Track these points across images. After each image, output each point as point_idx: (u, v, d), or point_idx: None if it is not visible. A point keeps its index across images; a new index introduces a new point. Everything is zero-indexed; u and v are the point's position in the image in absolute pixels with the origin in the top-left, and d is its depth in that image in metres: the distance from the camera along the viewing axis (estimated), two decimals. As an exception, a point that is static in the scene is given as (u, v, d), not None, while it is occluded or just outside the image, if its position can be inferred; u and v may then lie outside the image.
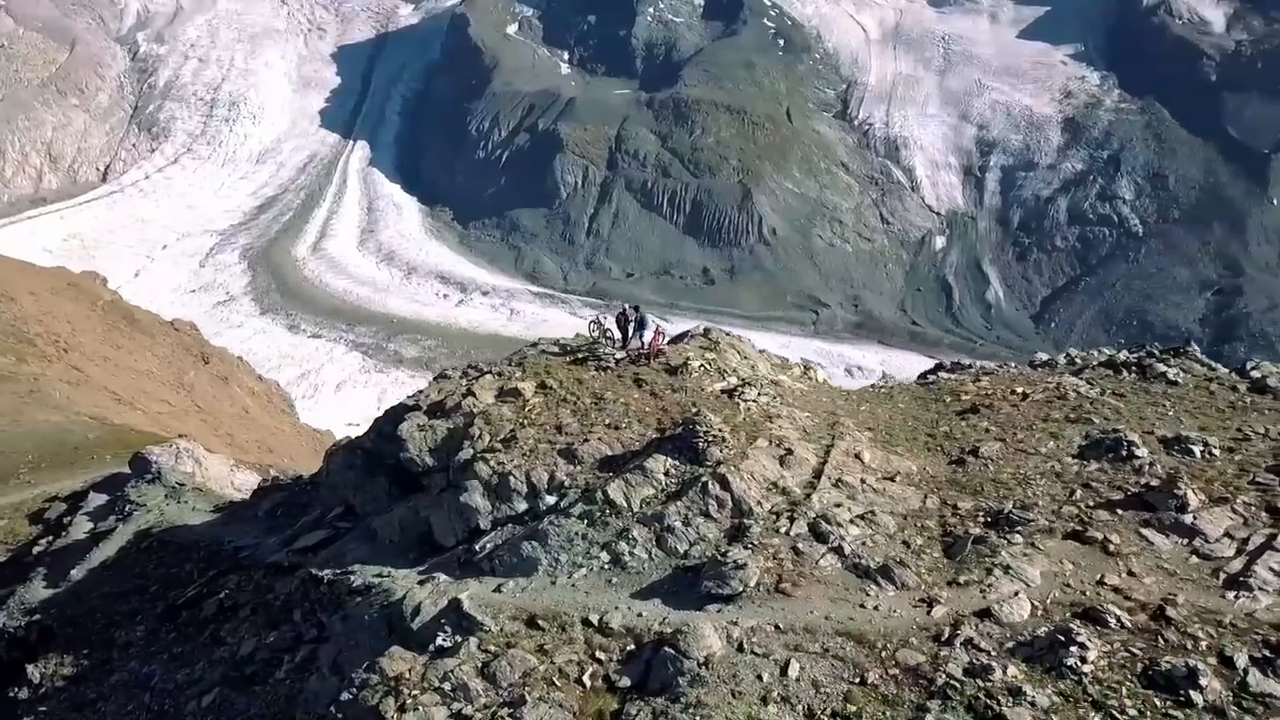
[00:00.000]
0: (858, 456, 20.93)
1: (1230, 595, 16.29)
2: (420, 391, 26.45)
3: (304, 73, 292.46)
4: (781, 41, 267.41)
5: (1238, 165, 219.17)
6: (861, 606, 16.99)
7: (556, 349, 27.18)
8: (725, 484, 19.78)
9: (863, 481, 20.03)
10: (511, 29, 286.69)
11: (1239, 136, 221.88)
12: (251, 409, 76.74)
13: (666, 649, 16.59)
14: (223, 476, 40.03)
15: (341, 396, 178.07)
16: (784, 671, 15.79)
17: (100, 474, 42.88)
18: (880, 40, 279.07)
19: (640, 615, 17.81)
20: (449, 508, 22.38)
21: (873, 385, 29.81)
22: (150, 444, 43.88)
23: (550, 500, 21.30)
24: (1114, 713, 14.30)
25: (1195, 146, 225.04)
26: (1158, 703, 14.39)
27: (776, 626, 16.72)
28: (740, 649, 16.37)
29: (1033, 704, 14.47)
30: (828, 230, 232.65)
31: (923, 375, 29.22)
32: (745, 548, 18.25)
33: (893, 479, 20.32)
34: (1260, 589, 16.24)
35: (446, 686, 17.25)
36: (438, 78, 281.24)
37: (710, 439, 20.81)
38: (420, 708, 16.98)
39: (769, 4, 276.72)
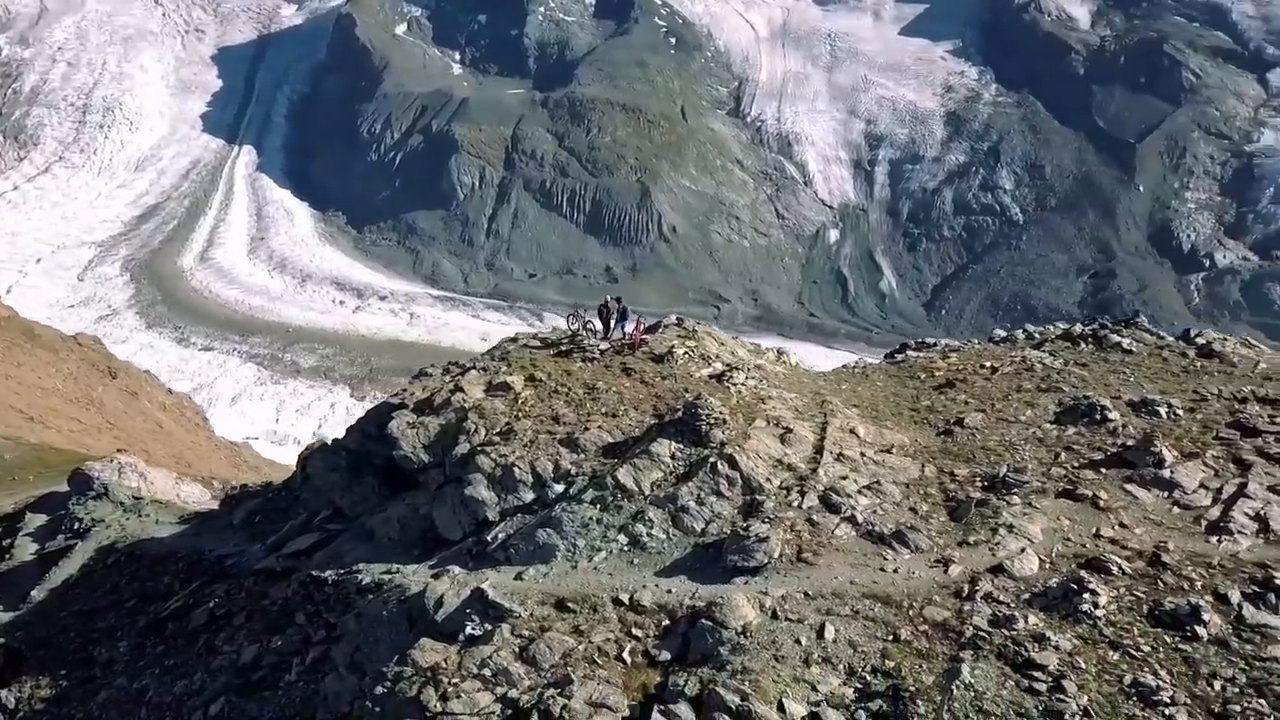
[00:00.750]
0: (853, 432, 22.00)
1: (1214, 540, 17.84)
2: (403, 389, 26.53)
3: (183, 76, 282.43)
4: (673, 40, 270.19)
5: (1107, 154, 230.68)
6: (882, 570, 17.99)
7: (538, 343, 27.57)
8: (733, 463, 20.57)
9: (862, 455, 21.08)
10: (400, 29, 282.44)
11: (1107, 127, 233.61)
12: (165, 423, 74.39)
13: (703, 621, 17.27)
14: (169, 490, 39.04)
15: (238, 410, 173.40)
16: (820, 634, 16.66)
17: (31, 495, 41.32)
18: (769, 38, 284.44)
19: (669, 592, 18.46)
20: (452, 502, 22.60)
21: (845, 366, 31.02)
22: (71, 463, 42.55)
23: (558, 489, 21.74)
24: (1130, 651, 15.59)
25: (1068, 137, 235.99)
26: (1168, 639, 15.74)
27: (805, 594, 17.58)
28: (774, 616, 17.16)
29: (1057, 648, 15.65)
30: (725, 226, 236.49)
31: (890, 355, 30.61)
32: (763, 522, 19.06)
33: (889, 451, 21.44)
34: (1240, 532, 17.83)
35: (486, 673, 17.58)
36: (325, 80, 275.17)
37: (712, 421, 21.57)
38: (463, 695, 17.28)
39: (659, 3, 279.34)
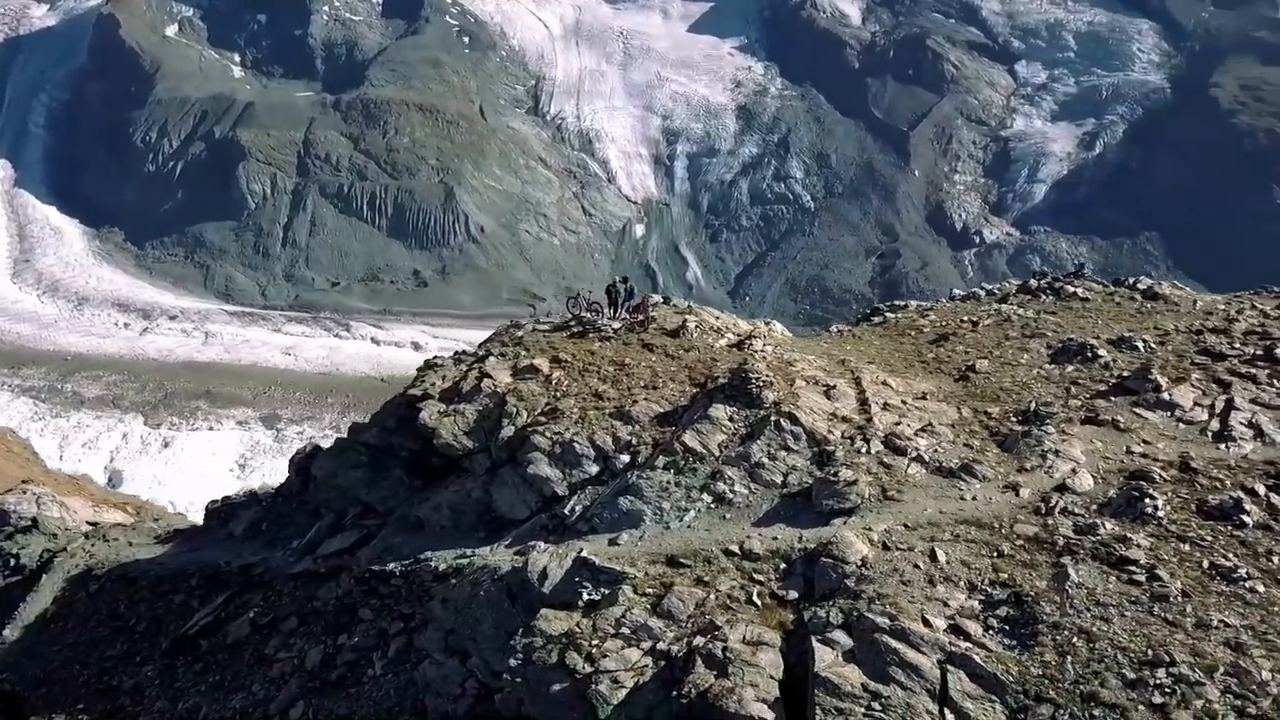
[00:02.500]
0: (885, 384, 24.05)
1: (1223, 447, 21.00)
2: (417, 382, 26.55)
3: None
4: (467, 39, 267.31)
5: (884, 142, 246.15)
6: (962, 499, 20.07)
7: (548, 326, 28.17)
8: (794, 419, 22.16)
9: (903, 403, 23.15)
10: (171, 30, 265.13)
11: (883, 117, 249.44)
12: (-7, 459, 68.17)
13: (823, 559, 18.78)
14: (91, 518, 36.73)
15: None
16: (933, 559, 18.51)
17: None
18: (563, 36, 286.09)
19: (775, 539, 19.86)
20: (513, 482, 23.08)
21: (832, 330, 33.09)
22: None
23: (624, 459, 22.65)
24: (1196, 542, 18.31)
25: (849, 127, 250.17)
26: (1223, 529, 18.57)
27: (905, 525, 19.42)
28: (886, 548, 18.89)
29: (1139, 546, 18.17)
30: (534, 225, 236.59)
31: (867, 318, 32.96)
32: (845, 468, 20.78)
33: (924, 398, 23.61)
34: (1241, 439, 21.07)
35: (625, 631, 18.44)
36: (88, 85, 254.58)
37: (762, 383, 23.05)
38: (610, 654, 18.07)
39: (450, 2, 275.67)
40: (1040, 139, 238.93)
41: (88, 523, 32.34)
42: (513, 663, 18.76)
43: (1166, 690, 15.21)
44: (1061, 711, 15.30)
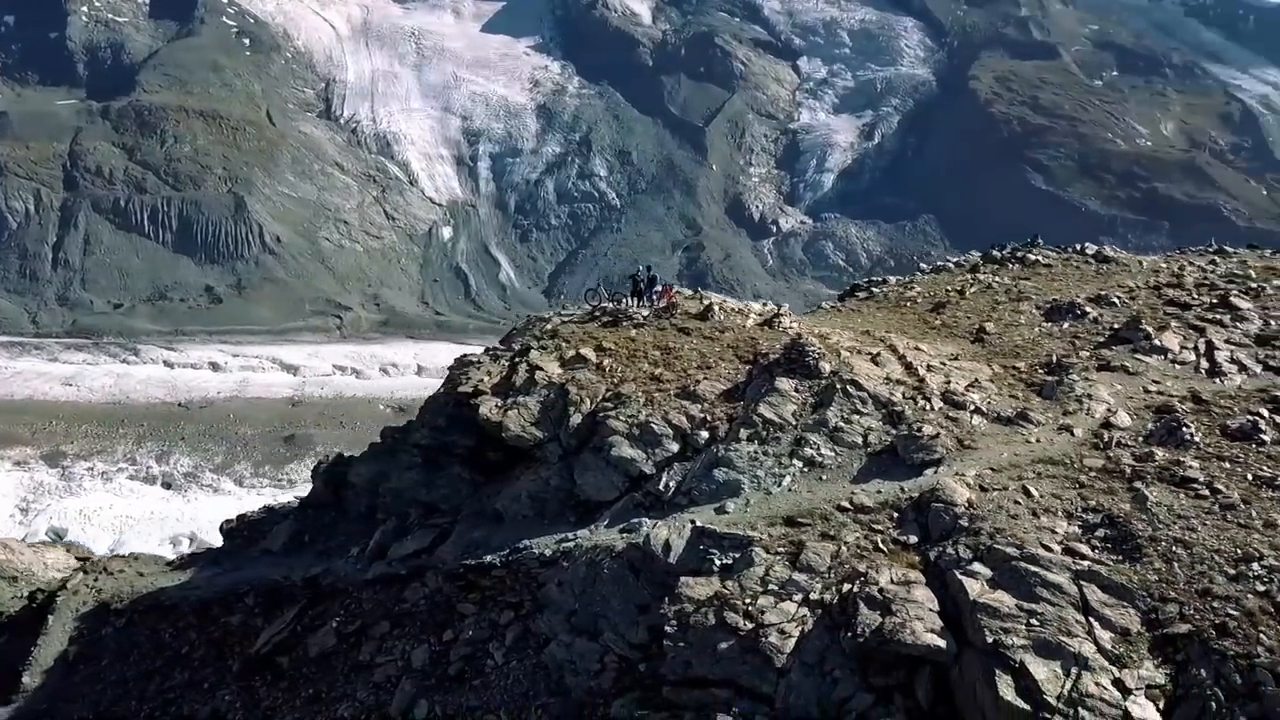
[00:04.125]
0: (918, 349, 26.39)
1: (1219, 381, 24.57)
2: (463, 379, 26.72)
3: None
4: (247, 40, 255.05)
5: (682, 138, 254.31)
6: (1028, 442, 22.62)
7: (575, 319, 28.89)
8: (858, 385, 24.11)
9: (942, 364, 25.55)
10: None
11: (678, 113, 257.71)
12: None
13: (934, 505, 20.80)
14: (35, 559, 34.18)
15: None
16: (1027, 494, 20.90)
17: None
18: (351, 37, 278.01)
19: (879, 492, 21.73)
20: (596, 466, 23.89)
21: (834, 306, 35.01)
22: None
23: (704, 435, 23.90)
24: (1233, 459, 21.55)
25: (647, 124, 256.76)
26: (1249, 447, 21.91)
27: (991, 469, 21.76)
28: (984, 489, 21.13)
29: (1191, 466, 21.24)
30: (334, 232, 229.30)
31: (850, 294, 35.26)
32: (922, 424, 22.93)
33: (955, 359, 26.10)
34: (1229, 374, 24.72)
35: (773, 587, 19.84)
36: None
37: (818, 355, 24.90)
38: (767, 610, 19.42)
39: (226, 1, 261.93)
40: (825, 131, 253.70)
41: (77, 559, 30.21)
42: (668, 629, 19.74)
43: (1265, 580, 18.07)
44: (1186, 608, 17.90)
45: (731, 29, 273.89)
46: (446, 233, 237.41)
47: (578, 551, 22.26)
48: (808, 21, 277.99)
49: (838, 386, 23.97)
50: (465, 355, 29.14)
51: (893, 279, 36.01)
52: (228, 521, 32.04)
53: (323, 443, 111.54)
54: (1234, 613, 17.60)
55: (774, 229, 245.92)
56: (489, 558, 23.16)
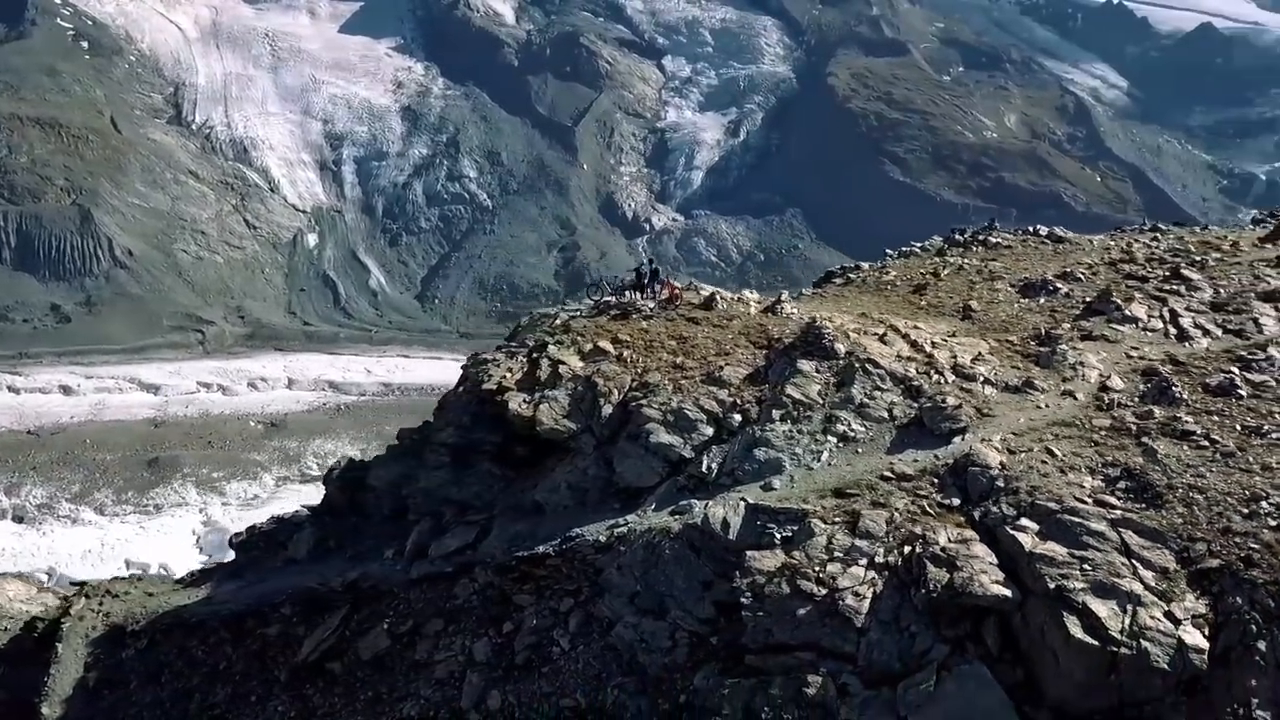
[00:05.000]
0: (918, 328, 28.05)
1: (1188, 344, 27.07)
2: (484, 377, 26.99)
3: None
4: (86, 44, 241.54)
5: (552, 138, 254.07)
6: (1038, 408, 24.49)
7: (583, 313, 29.43)
8: (875, 364, 25.58)
9: (943, 341, 27.24)
10: None
11: (547, 113, 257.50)
12: None
13: (971, 469, 22.40)
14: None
15: None
16: (1051, 454, 22.71)
17: None
18: (200, 39, 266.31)
19: (915, 460, 23.21)
20: (635, 454, 24.63)
21: (814, 293, 36.20)
22: None
23: (737, 418, 24.94)
24: (1219, 413, 23.84)
25: (515, 125, 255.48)
26: (1230, 400, 24.26)
27: (1013, 433, 23.52)
28: (1012, 452, 22.85)
29: (1188, 421, 23.42)
30: (191, 243, 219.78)
31: (820, 282, 36.65)
32: (949, 396, 24.52)
33: (953, 335, 27.88)
34: (1196, 338, 27.27)
35: (837, 553, 21.05)
36: None
37: (833, 337, 26.27)
38: (838, 575, 20.60)
39: (59, 2, 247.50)
40: (692, 129, 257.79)
41: (72, 583, 28.90)
42: (744, 600, 20.73)
43: (1275, 516, 20.28)
44: (1212, 545, 19.95)
45: (596, 29, 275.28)
46: (312, 240, 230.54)
47: (633, 535, 22.97)
48: (670, 21, 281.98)
49: (856, 365, 25.38)
50: (479, 354, 29.36)
51: (865, 264, 37.84)
52: (238, 535, 31.16)
53: (190, 464, 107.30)
54: (1255, 546, 19.65)
55: (647, 227, 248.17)
56: (541, 548, 23.62)
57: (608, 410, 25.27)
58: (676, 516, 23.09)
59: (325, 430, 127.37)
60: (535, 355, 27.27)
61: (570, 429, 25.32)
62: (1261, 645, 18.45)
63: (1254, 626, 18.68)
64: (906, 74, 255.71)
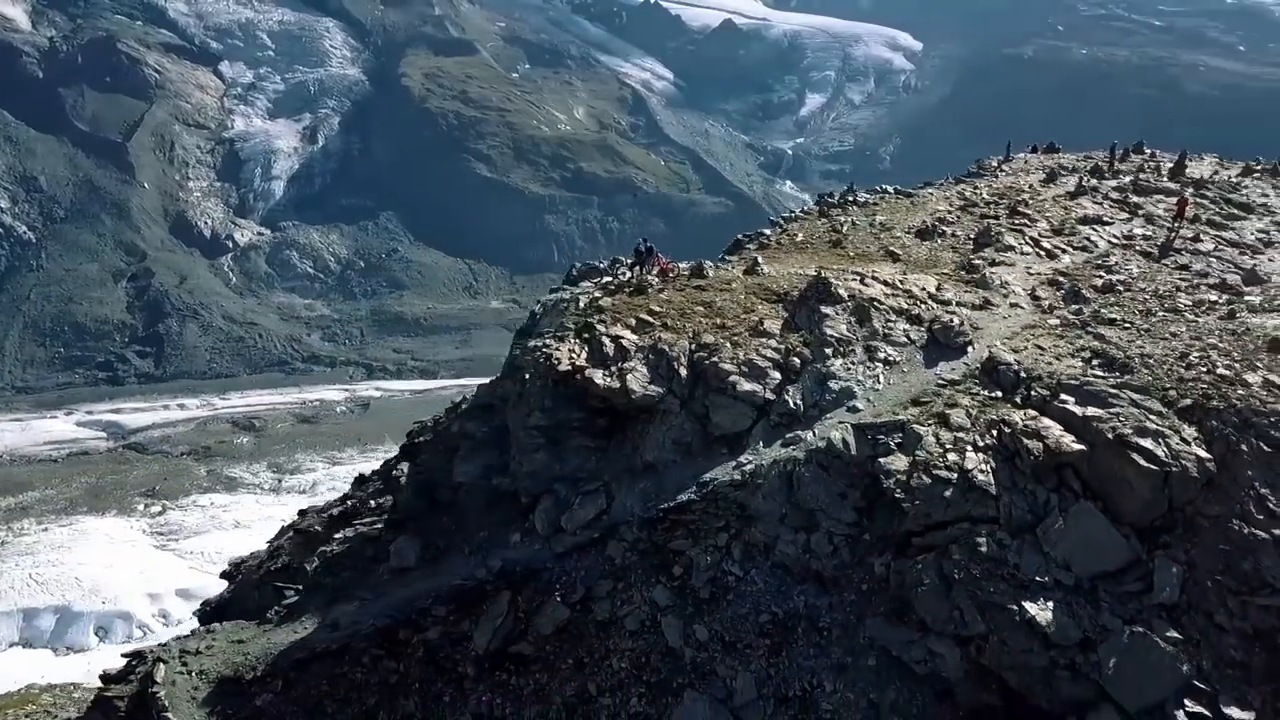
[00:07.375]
0: (876, 272, 33.34)
1: (1059, 262, 35.09)
2: (545, 363, 28.16)
3: None
4: None
5: (100, 157, 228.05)
6: (1005, 318, 30.95)
7: (601, 291, 31.20)
8: (880, 302, 30.67)
9: (904, 279, 32.82)
10: None
11: (89, 129, 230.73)
12: None
13: (999, 368, 28.12)
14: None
15: None
16: (1040, 349, 29.04)
17: None
18: None
19: (952, 369, 28.57)
20: (724, 404, 27.63)
21: (740, 257, 39.09)
22: None
23: (796, 360, 28.77)
24: (1122, 305, 31.84)
25: (52, 144, 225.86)
26: (1121, 294, 32.33)
27: (1004, 339, 29.67)
28: (1015, 351, 28.92)
29: (1108, 311, 31.00)
30: None
31: (734, 250, 40.11)
32: (951, 315, 30.11)
33: (905, 274, 33.48)
34: (1060, 257, 35.38)
35: (946, 444, 25.81)
36: None
37: (840, 285, 30.89)
38: (960, 461, 25.48)
39: None
40: (264, 137, 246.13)
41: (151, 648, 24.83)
42: (897, 495, 24.90)
43: (1209, 360, 28.16)
44: (1179, 390, 27.43)
45: (135, 33, 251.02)
46: None
47: (760, 470, 26.09)
48: (221, 24, 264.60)
49: (865, 305, 30.29)
50: (522, 347, 30.10)
51: (767, 230, 42.35)
52: (309, 560, 28.50)
53: None
54: (1204, 384, 27.37)
55: (230, 244, 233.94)
56: (682, 496, 25.95)
57: (684, 371, 27.91)
58: (792, 448, 26.51)
59: None
60: (585, 335, 28.94)
61: (658, 393, 27.61)
62: (1244, 447, 25.97)
63: (1233, 436, 26.21)
64: (478, 72, 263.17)
